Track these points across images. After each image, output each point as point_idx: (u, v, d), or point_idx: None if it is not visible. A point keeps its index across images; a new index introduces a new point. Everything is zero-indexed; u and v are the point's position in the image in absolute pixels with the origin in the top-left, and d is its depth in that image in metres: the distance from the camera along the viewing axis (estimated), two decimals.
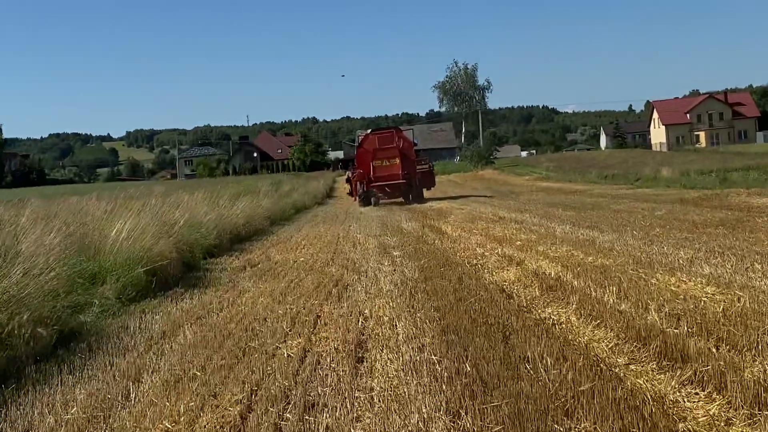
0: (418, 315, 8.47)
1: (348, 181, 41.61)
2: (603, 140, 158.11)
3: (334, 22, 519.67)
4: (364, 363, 6.76)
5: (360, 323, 8.40)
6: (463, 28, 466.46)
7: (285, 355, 7.13)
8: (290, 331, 8.22)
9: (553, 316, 7.90)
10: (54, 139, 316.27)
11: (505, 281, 10.44)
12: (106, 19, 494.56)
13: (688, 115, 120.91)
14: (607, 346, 6.58)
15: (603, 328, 7.16)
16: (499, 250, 13.81)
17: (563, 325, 7.50)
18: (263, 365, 6.78)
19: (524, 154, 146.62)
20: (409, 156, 37.98)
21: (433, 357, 6.56)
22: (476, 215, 22.95)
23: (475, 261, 12.75)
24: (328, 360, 6.90)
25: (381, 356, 6.88)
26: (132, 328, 9.04)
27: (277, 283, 11.93)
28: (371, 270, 12.71)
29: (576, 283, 9.43)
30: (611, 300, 8.21)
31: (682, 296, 8.03)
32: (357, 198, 37.88)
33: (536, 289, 9.49)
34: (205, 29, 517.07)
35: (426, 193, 38.96)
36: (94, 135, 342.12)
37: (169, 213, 16.44)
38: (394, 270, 12.38)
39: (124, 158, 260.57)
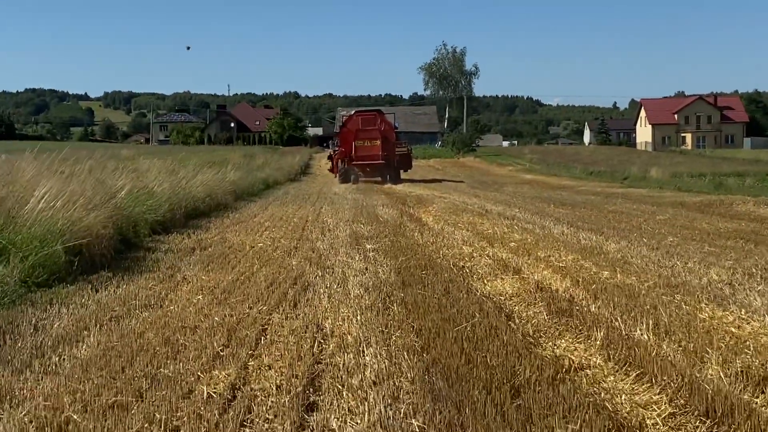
0: (394, 339, 6.47)
1: (330, 158, 44.20)
2: (587, 135, 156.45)
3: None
4: (315, 415, 4.76)
5: (317, 345, 6.38)
6: (451, 13, 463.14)
7: (205, 394, 5.10)
8: (223, 350, 6.19)
9: (571, 355, 5.94)
10: (29, 94, 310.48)
11: (501, 295, 8.46)
12: None
13: (675, 115, 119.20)
14: (659, 416, 4.62)
15: (647, 384, 5.20)
16: (490, 251, 11.84)
17: (589, 373, 5.53)
18: (168, 413, 4.74)
19: (506, 143, 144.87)
20: (389, 138, 40.67)
21: (413, 420, 4.55)
22: (460, 206, 20.94)
23: (462, 263, 10.76)
24: (264, 407, 4.88)
25: (339, 405, 4.88)
26: (22, 328, 6.97)
27: (224, 275, 9.87)
28: (339, 266, 10.69)
29: (595, 308, 7.44)
30: (649, 339, 6.22)
31: (748, 343, 6.02)
32: (337, 175, 40.25)
33: (543, 311, 7.52)
34: None
35: (403, 175, 41.66)
36: (71, 93, 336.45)
37: (112, 179, 14.26)
38: (366, 268, 10.34)
39: (100, 119, 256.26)
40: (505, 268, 10.09)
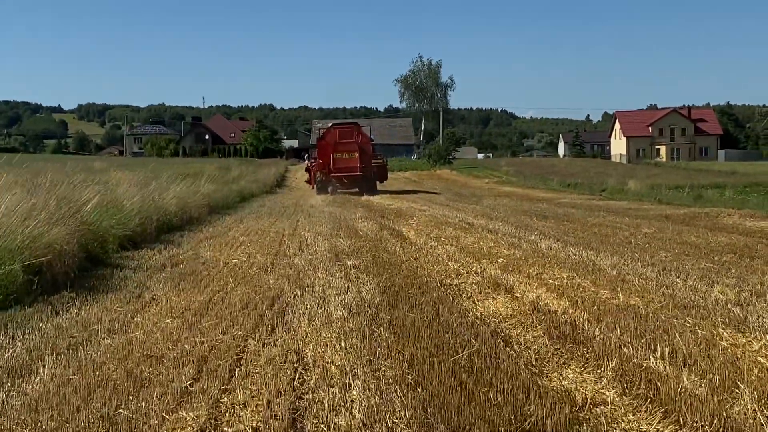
0: (383, 370, 5.83)
1: (307, 170, 45.03)
2: (561, 148, 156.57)
3: (296, 12, 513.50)
4: None
5: (298, 377, 5.73)
6: (425, 26, 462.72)
7: None
8: (192, 385, 5.51)
9: (582, 389, 5.33)
10: (2, 106, 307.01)
11: (495, 317, 7.84)
12: None
13: (650, 128, 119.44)
14: None
15: (674, 425, 4.59)
16: (477, 267, 11.22)
17: (605, 411, 4.91)
18: None
19: (480, 156, 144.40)
20: (366, 150, 41.29)
21: None
22: (441, 219, 20.33)
23: (449, 281, 10.15)
24: None
25: None
26: None
27: (197, 295, 9.20)
28: (319, 284, 10.04)
29: (600, 332, 6.81)
30: (667, 370, 5.61)
31: None
32: (314, 186, 41.24)
33: (542, 334, 6.92)
34: (165, 7, 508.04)
35: (380, 187, 42.49)
36: (44, 105, 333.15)
37: (79, 192, 13.53)
38: (348, 287, 9.70)
39: (73, 131, 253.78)
40: (496, 287, 9.48)
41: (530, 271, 10.58)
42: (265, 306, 8.46)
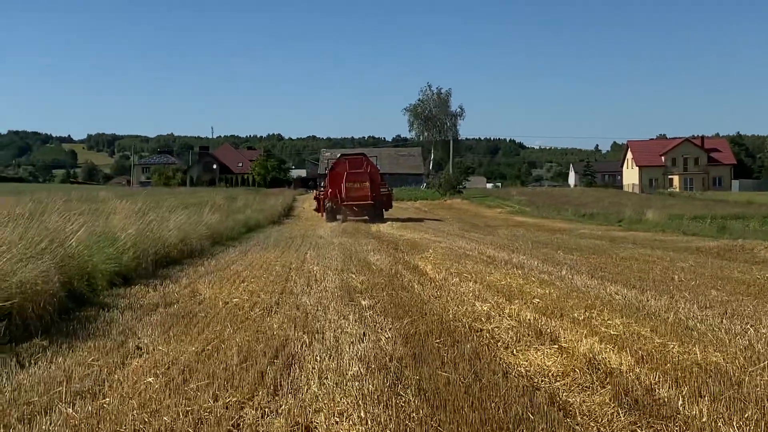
0: None
1: (316, 198, 46.80)
2: (572, 178, 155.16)
3: (304, 42, 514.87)
4: None
5: None
6: (434, 56, 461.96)
7: None
8: None
9: None
10: (12, 136, 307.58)
11: (545, 375, 6.50)
12: (75, 20, 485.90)
13: (662, 157, 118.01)
14: None
15: None
16: (510, 308, 9.87)
17: None
18: None
19: (489, 186, 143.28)
20: (375, 180, 42.82)
21: None
22: (459, 252, 18.97)
23: (479, 325, 8.82)
24: None
25: None
26: None
27: (188, 345, 7.86)
28: (330, 329, 8.71)
29: (685, 402, 5.44)
30: None
31: None
32: (324, 213, 42.87)
33: (610, 401, 5.59)
34: (175, 38, 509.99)
35: (390, 216, 43.64)
36: (54, 135, 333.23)
37: (63, 223, 12.21)
38: (364, 334, 8.36)
39: (83, 161, 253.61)
40: (538, 335, 8.12)
41: (574, 314, 9.20)
42: (266, 359, 7.11)
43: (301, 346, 7.79)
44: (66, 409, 5.60)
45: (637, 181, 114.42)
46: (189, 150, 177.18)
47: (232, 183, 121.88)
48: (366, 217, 41.22)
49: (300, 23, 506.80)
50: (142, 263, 14.43)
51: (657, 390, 5.82)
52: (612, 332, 8.02)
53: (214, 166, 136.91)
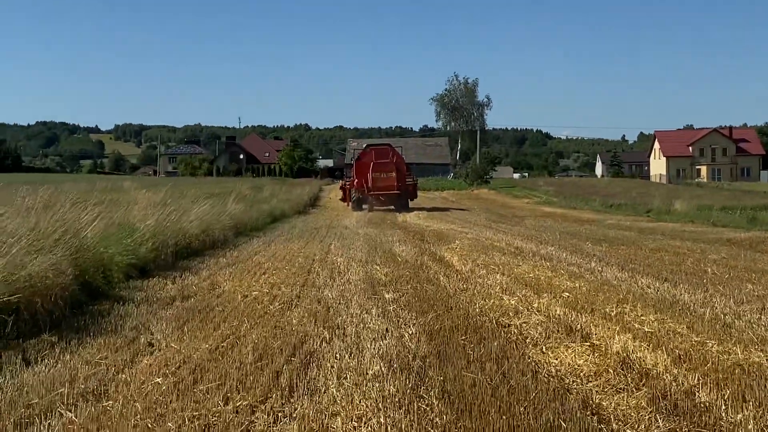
0: None
1: (342, 188, 47.30)
2: (599, 168, 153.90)
3: (332, 32, 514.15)
4: None
5: None
6: (461, 45, 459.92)
7: None
8: None
9: None
10: (40, 127, 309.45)
11: (576, 375, 6.13)
12: (103, 11, 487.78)
13: (690, 148, 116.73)
14: None
15: None
16: (539, 303, 9.49)
17: None
18: None
19: (516, 176, 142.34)
20: (401, 170, 43.17)
21: None
22: (486, 243, 18.55)
23: (507, 320, 8.45)
24: None
25: None
26: None
27: (202, 341, 7.53)
28: (352, 324, 8.37)
29: (728, 408, 5.05)
30: None
31: None
32: (350, 203, 43.46)
33: (646, 406, 5.21)
34: (203, 27, 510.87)
35: (418, 205, 44.22)
36: (81, 126, 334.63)
37: (77, 214, 11.90)
38: (387, 330, 8.00)
39: (110, 152, 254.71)
40: (568, 331, 7.72)
41: (605, 309, 8.79)
42: (283, 358, 6.76)
43: (321, 342, 7.45)
44: (66, 412, 5.28)
45: (664, 172, 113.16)
46: (216, 140, 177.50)
47: (259, 173, 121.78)
48: (392, 207, 41.79)
49: (328, 13, 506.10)
50: (161, 255, 14.14)
51: (697, 393, 5.43)
52: (646, 329, 7.61)
53: (241, 156, 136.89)
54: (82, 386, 5.93)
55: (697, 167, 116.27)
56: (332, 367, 6.46)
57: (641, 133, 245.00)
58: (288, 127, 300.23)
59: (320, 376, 6.20)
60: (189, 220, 17.58)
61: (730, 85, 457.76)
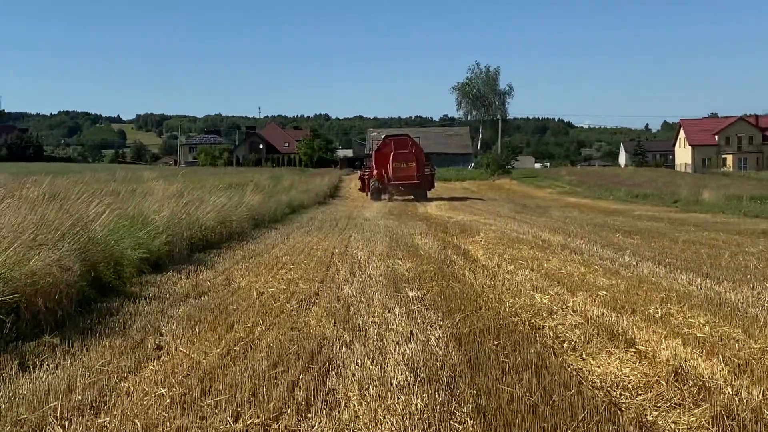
0: None
1: (360, 179, 48.52)
2: (622, 157, 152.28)
3: (353, 21, 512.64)
4: None
5: None
6: (482, 35, 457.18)
7: None
8: None
9: None
10: (63, 116, 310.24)
11: (623, 387, 5.53)
12: (126, 1, 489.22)
13: (716, 136, 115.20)
14: None
15: None
16: (574, 302, 8.87)
17: None
18: None
19: (538, 166, 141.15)
20: (420, 160, 43.95)
21: None
22: (512, 236, 17.90)
23: (541, 322, 7.85)
24: None
25: None
26: None
27: (213, 345, 6.96)
28: (374, 325, 7.79)
29: None
30: None
31: None
32: (369, 193, 44.43)
33: (711, 427, 4.60)
34: (224, 18, 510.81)
35: (437, 195, 45.54)
36: (103, 115, 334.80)
37: (85, 206, 11.36)
38: (412, 332, 7.41)
39: (131, 141, 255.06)
40: (609, 335, 7.09)
41: (649, 310, 8.15)
42: (300, 365, 6.18)
43: (341, 346, 6.87)
44: (57, 430, 4.73)
45: (689, 161, 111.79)
46: (236, 130, 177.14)
47: (278, 163, 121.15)
48: (411, 197, 42.79)
49: (349, 2, 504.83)
50: (176, 248, 13.61)
51: (766, 413, 4.80)
52: (697, 333, 6.95)
53: (261, 146, 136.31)
54: (80, 397, 5.38)
55: (723, 156, 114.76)
56: (353, 375, 5.89)
57: (665, 122, 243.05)
58: (308, 117, 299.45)
59: (340, 386, 5.63)
60: (205, 212, 17.04)
61: (754, 74, 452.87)
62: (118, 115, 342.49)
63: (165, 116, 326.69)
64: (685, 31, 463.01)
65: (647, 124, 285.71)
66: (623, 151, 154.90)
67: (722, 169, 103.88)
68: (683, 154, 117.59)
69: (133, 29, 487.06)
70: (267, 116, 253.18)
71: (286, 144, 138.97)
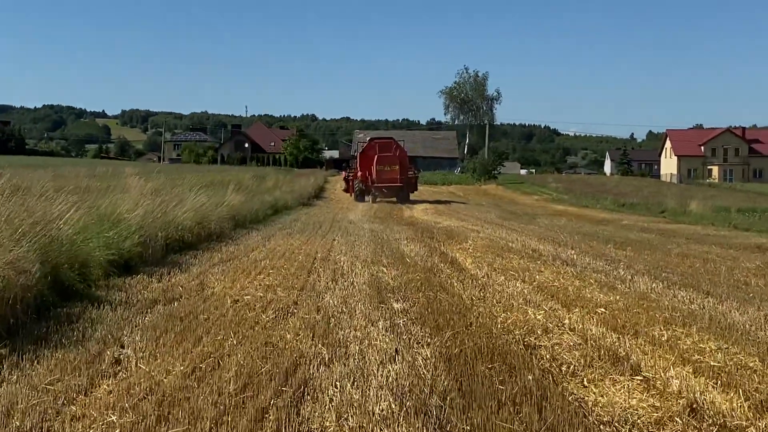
0: None
1: (345, 180, 49.07)
2: (608, 166, 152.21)
3: (341, 22, 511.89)
4: None
5: None
6: (469, 39, 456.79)
7: None
8: None
9: None
10: (47, 110, 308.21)
11: (634, 424, 4.91)
12: None
13: (702, 147, 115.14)
14: None
15: None
16: (570, 319, 8.27)
17: None
18: None
19: (523, 172, 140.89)
20: (404, 163, 44.93)
21: None
22: (500, 244, 17.27)
23: (536, 340, 7.26)
24: None
25: None
26: None
27: (177, 361, 6.31)
28: (356, 341, 7.16)
29: None
30: None
31: None
32: (353, 194, 45.29)
33: None
34: (212, 16, 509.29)
35: (422, 198, 46.31)
36: (88, 110, 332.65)
37: (49, 204, 10.66)
38: (397, 351, 6.77)
39: (116, 137, 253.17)
40: (612, 359, 6.48)
41: (653, 332, 7.53)
42: (272, 387, 5.54)
43: (319, 365, 6.24)
44: None
45: (675, 171, 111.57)
46: (222, 128, 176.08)
47: (264, 162, 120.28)
48: (394, 198, 43.35)
49: (337, 2, 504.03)
50: (149, 249, 12.94)
51: None
52: (711, 362, 6.32)
53: (246, 145, 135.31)
54: (17, 423, 4.73)
55: (709, 167, 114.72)
56: (331, 401, 5.27)
57: (650, 131, 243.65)
58: (295, 117, 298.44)
59: (315, 415, 5.00)
60: (183, 211, 16.32)
61: (739, 86, 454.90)
62: (103, 110, 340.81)
63: (151, 112, 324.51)
64: (672, 43, 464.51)
65: (632, 134, 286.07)
66: (609, 159, 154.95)
67: (708, 180, 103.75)
68: (669, 164, 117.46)
69: (121, 24, 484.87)
70: (253, 115, 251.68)
71: (272, 143, 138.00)
